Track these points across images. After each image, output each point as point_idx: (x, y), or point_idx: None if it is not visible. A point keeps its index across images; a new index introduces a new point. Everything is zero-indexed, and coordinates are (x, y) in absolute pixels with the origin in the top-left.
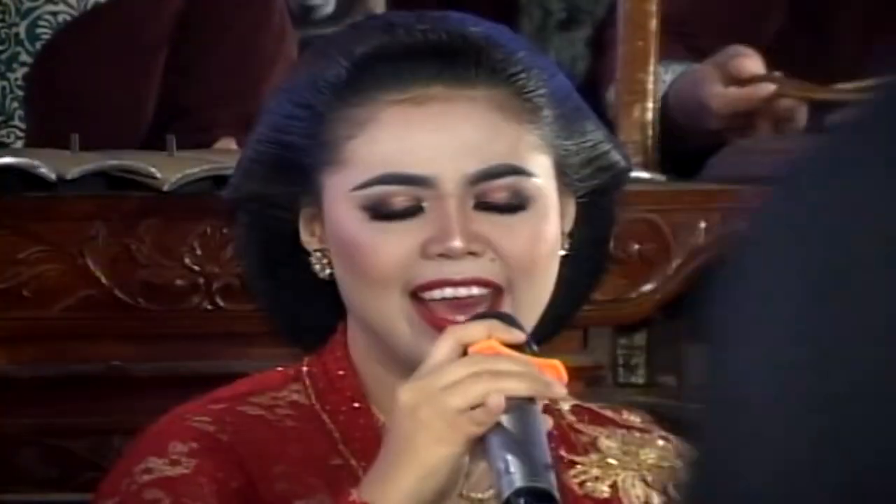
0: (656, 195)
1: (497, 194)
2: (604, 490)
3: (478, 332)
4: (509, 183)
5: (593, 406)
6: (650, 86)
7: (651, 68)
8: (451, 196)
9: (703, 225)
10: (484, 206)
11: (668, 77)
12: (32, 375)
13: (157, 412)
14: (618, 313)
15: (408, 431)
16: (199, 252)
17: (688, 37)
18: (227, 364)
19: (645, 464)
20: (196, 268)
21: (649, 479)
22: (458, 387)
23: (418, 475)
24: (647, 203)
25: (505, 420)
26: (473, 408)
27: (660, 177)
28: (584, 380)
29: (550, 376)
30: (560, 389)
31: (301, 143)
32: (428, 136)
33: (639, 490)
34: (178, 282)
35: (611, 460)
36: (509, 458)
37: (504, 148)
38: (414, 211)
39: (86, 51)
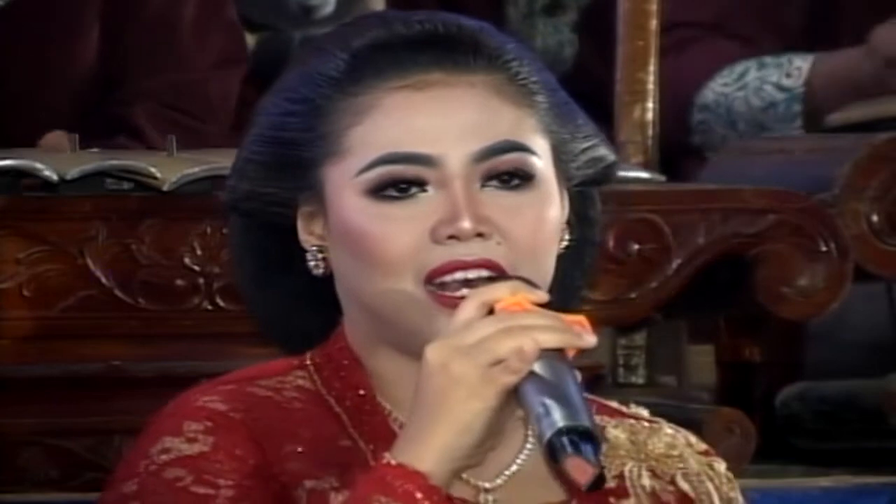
0: (656, 195)
1: (502, 168)
2: (609, 481)
3: (502, 291)
4: (513, 158)
5: (598, 398)
6: (650, 86)
7: (651, 68)
8: (457, 177)
9: (703, 225)
10: (490, 177)
11: (727, 78)
12: (32, 375)
13: (156, 412)
14: (618, 313)
15: (440, 388)
16: (199, 252)
17: (740, 37)
18: (227, 364)
19: (653, 454)
20: (196, 268)
21: (657, 469)
22: (489, 342)
23: (454, 431)
24: (647, 203)
25: (538, 368)
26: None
27: (660, 177)
28: (584, 380)
29: (578, 329)
30: (590, 338)
31: (300, 137)
32: (431, 120)
33: (646, 480)
34: (178, 282)
35: (619, 450)
36: (547, 401)
37: (506, 127)
38: (417, 185)
39: (20, 36)
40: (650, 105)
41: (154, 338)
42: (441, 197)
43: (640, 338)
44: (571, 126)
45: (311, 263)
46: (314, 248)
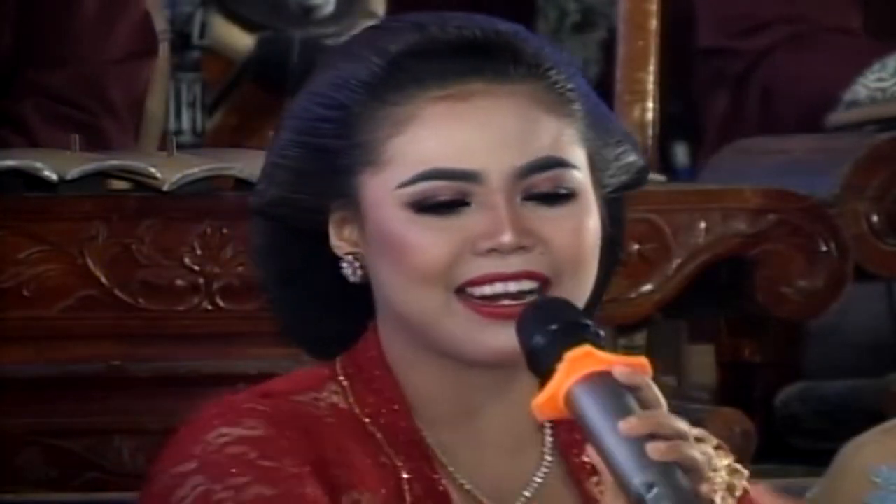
0: (656, 195)
1: (543, 185)
2: None
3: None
4: (554, 175)
5: None
6: (650, 86)
7: (651, 68)
8: (499, 191)
9: (703, 225)
10: (531, 196)
11: (881, 73)
12: (32, 375)
13: (156, 412)
14: (618, 313)
15: None
16: (199, 252)
17: (850, 31)
18: (227, 364)
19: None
20: (196, 268)
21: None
22: None
23: None
24: (647, 203)
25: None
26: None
27: (660, 177)
28: None
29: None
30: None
31: (334, 144)
32: (473, 132)
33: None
34: (178, 282)
35: None
36: None
37: (548, 141)
38: (459, 203)
39: None
40: (650, 105)
41: (154, 338)
42: (483, 210)
43: (640, 338)
44: (604, 132)
45: (347, 271)
46: (348, 255)
